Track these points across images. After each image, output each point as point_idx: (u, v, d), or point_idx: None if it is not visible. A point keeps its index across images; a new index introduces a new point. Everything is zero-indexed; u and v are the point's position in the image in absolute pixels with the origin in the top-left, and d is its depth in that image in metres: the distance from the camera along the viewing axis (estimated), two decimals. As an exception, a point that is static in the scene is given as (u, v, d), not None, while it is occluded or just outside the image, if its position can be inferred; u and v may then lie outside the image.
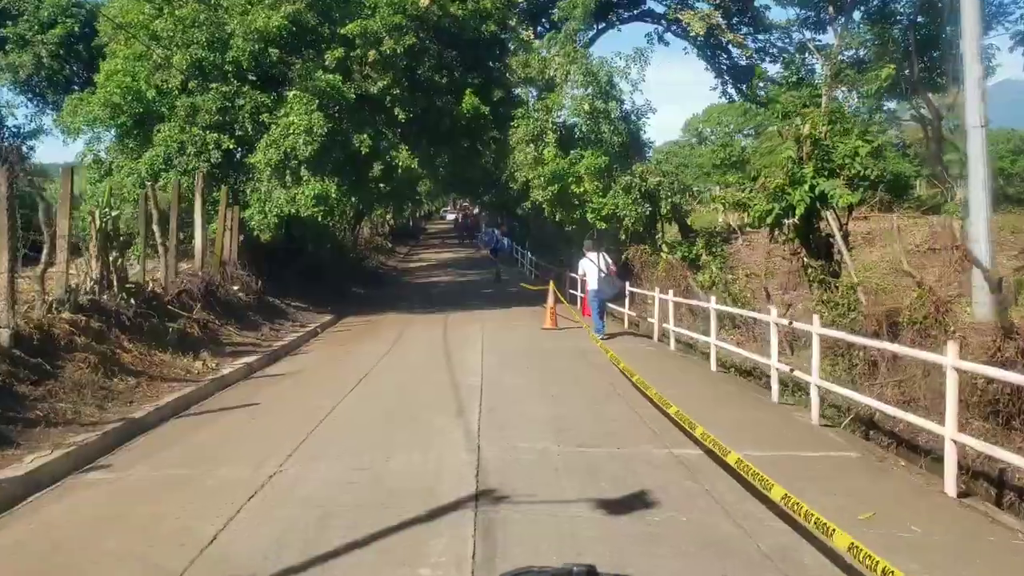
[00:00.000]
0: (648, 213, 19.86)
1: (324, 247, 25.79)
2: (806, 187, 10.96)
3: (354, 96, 19.02)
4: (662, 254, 19.04)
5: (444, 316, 20.14)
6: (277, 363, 12.64)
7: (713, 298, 11.72)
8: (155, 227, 13.89)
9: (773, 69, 39.21)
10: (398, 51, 18.88)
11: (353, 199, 20.86)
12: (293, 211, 18.14)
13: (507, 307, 22.47)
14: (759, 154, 75.49)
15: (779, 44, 42.54)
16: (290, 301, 19.32)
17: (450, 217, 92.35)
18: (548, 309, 16.84)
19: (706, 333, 12.26)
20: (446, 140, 21.95)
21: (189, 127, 18.12)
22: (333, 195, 18.22)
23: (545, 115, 20.95)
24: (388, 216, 47.25)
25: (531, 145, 20.88)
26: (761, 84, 36.73)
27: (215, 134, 18.09)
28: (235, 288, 16.21)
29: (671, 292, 14.40)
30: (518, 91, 22.14)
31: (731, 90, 41.97)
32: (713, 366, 11.66)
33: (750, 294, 15.35)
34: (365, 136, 18.85)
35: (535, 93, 22.41)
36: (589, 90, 19.73)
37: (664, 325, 14.84)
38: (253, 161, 18.16)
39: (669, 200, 19.81)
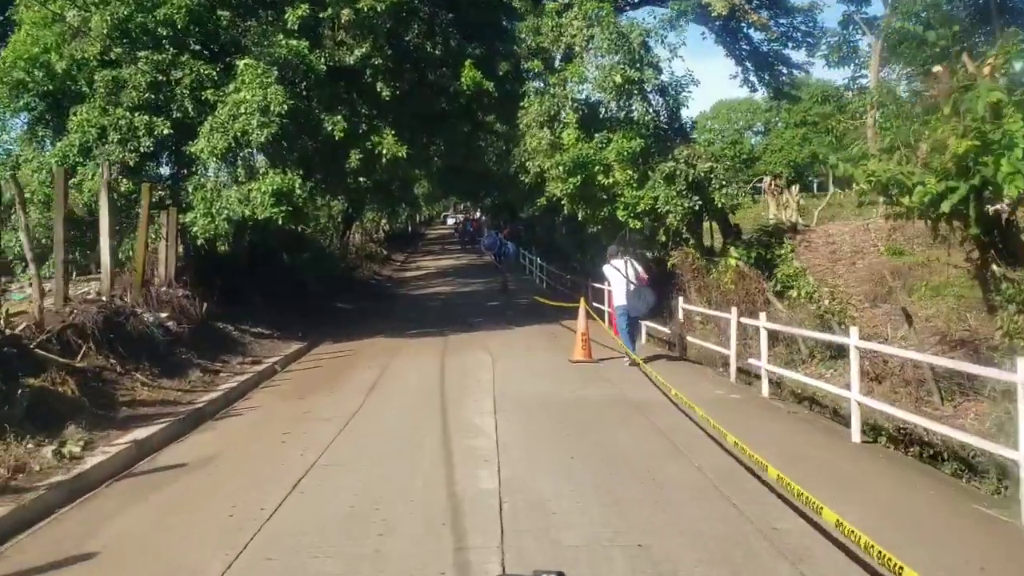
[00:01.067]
0: (697, 208, 15.63)
1: (302, 257, 21.54)
2: (1019, 153, 6.73)
3: (324, 67, 14.82)
4: (730, 259, 14.83)
5: (443, 340, 15.93)
6: (189, 436, 8.37)
7: (855, 331, 7.44)
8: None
9: (796, 56, 35.18)
10: (379, 10, 14.68)
11: (328, 197, 16.55)
12: (248, 212, 13.94)
13: (519, 325, 18.28)
14: (770, 151, 70.91)
15: (803, 28, 38.55)
16: (249, 327, 15.09)
17: (451, 222, 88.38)
18: (580, 336, 12.59)
19: (805, 369, 8.02)
20: (441, 123, 17.72)
21: (112, 108, 13.94)
22: (298, 191, 14.00)
23: (562, 90, 16.72)
24: (383, 221, 43.09)
25: (546, 128, 16.66)
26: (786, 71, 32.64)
27: (145, 116, 13.88)
28: (163, 316, 11.99)
29: (763, 316, 10.10)
30: (528, 65, 17.86)
31: (753, 78, 37.96)
32: (855, 434, 7.42)
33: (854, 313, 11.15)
34: (339, 118, 14.67)
35: (555, 61, 18.13)
36: (618, 56, 15.50)
37: (751, 360, 10.59)
38: (195, 150, 13.96)
39: (723, 191, 15.57)
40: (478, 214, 67.73)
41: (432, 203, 51.28)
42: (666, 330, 15.31)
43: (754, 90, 42.12)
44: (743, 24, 36.41)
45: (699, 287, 14.94)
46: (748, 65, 40.24)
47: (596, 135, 16.60)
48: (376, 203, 32.46)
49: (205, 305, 13.87)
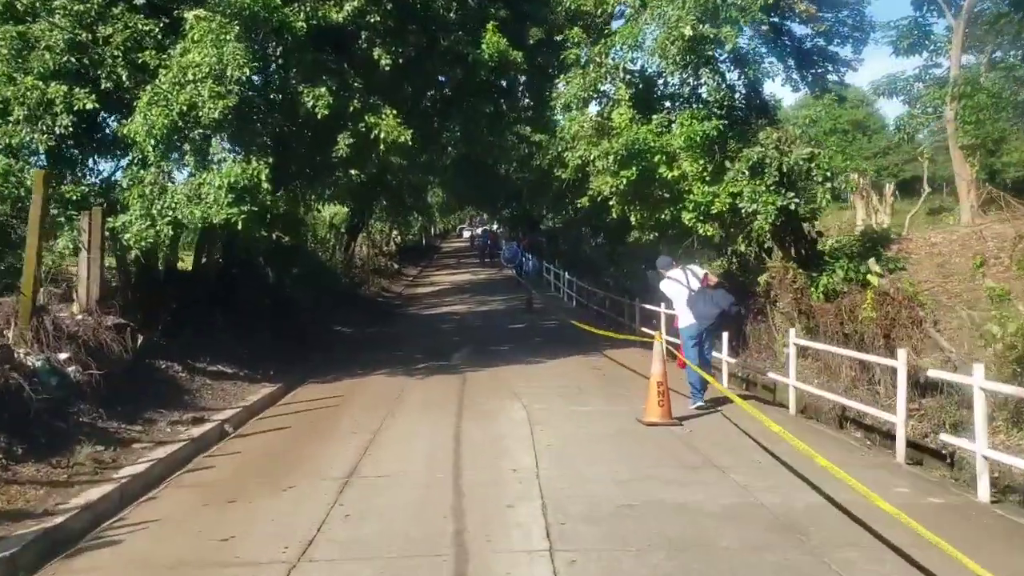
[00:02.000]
0: (793, 207, 11.77)
1: (292, 272, 17.81)
2: None
3: (304, 26, 11.10)
4: (870, 275, 10.95)
5: (459, 379, 12.15)
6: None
7: None
8: None
9: (843, 52, 31.43)
10: (376, -51, 11.03)
11: (312, 197, 12.75)
12: (198, 214, 10.22)
13: (552, 355, 14.50)
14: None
15: (849, 22, 34.68)
16: (206, 365, 11.35)
17: (466, 235, 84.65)
18: (655, 385, 8.66)
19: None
20: (455, 103, 13.96)
21: (20, 76, 10.29)
22: (264, 185, 10.27)
23: (610, 59, 12.95)
24: (394, 233, 39.48)
25: (589, 107, 12.92)
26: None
27: (63, 86, 10.22)
28: (61, 357, 8.25)
29: (978, 372, 6.10)
30: (566, 34, 14.03)
31: (795, 76, 34.03)
32: None
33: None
34: (323, 91, 10.95)
35: (600, 27, 14.31)
36: (687, 4, 11.68)
37: (944, 437, 6.60)
38: (129, 130, 10.28)
39: (828, 186, 11.71)
40: (495, 226, 64.07)
41: (447, 214, 47.65)
42: (728, 358, 11.51)
43: (796, 89, 38.32)
44: (787, 15, 32.38)
45: (801, 310, 11.03)
46: (791, 63, 35.87)
47: (654, 116, 12.81)
48: (384, 211, 28.83)
49: (140, 338, 10.15)
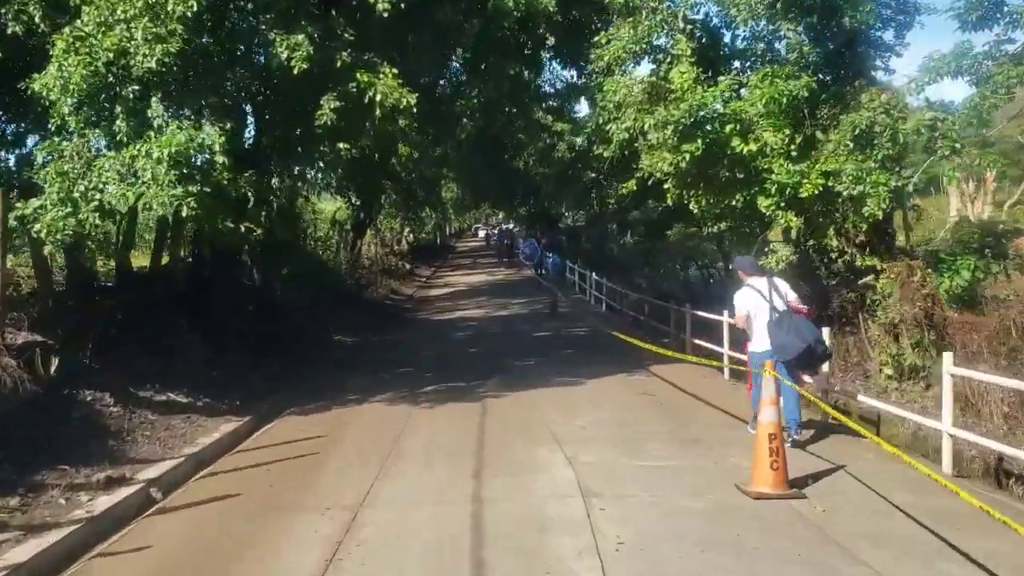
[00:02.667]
0: (912, 188, 9.02)
1: (281, 273, 15.20)
2: None
3: (277, -44, 8.49)
4: None
5: (477, 409, 9.49)
6: None
7: None
8: None
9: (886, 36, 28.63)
10: None
11: (283, 174, 10.05)
12: (131, 196, 7.64)
13: (590, 373, 11.81)
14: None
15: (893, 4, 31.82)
16: (152, 393, 8.76)
17: (481, 234, 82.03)
18: (765, 439, 5.87)
19: None
20: (472, 63, 11.27)
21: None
22: (219, 158, 7.66)
23: (661, 1, 10.25)
24: (406, 231, 36.91)
25: (639, 67, 10.24)
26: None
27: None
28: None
29: None
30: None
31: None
32: None
33: None
34: (301, 39, 8.32)
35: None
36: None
37: None
38: (41, 86, 7.71)
39: (957, 162, 8.95)
40: (511, 225, 61.32)
41: (461, 213, 45.02)
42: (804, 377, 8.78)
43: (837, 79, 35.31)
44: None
45: (932, 323, 8.27)
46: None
47: (720, 78, 10.09)
48: (393, 207, 26.22)
49: (56, 361, 7.59)
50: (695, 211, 10.53)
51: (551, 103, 31.91)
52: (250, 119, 9.68)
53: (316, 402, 10.33)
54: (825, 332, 8.27)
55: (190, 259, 12.34)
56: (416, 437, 8.17)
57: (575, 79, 13.97)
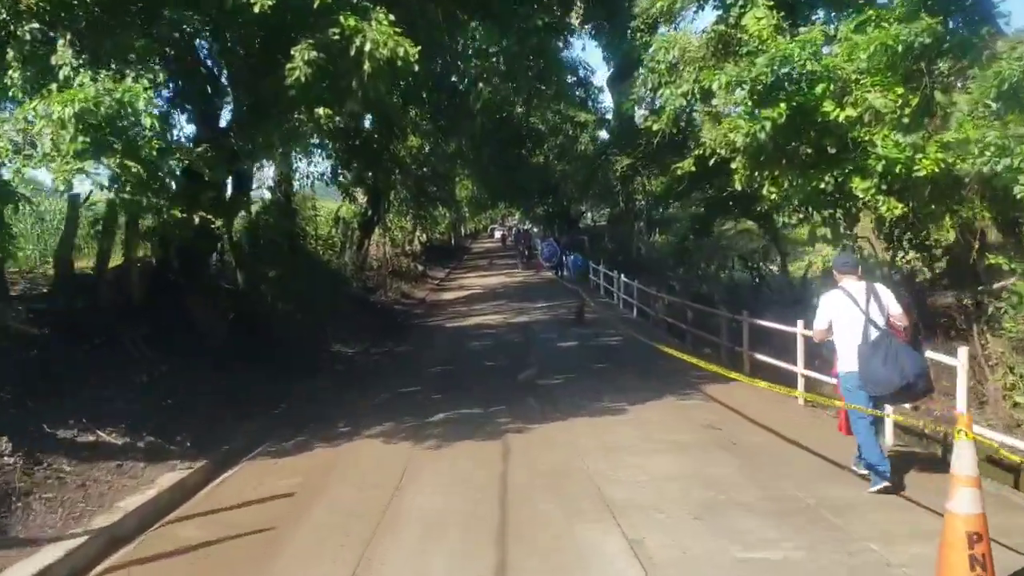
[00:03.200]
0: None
1: (266, 277, 13.10)
2: None
3: None
4: None
5: (496, 451, 7.35)
6: None
7: None
8: None
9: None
10: None
11: (242, 146, 7.87)
12: (27, 172, 5.57)
13: (634, 399, 9.65)
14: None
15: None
16: (78, 432, 6.70)
17: (497, 235, 79.91)
18: (960, 542, 3.67)
19: None
20: (482, 7, 9.05)
21: None
22: (148, 120, 5.56)
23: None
24: (418, 231, 34.83)
25: (703, 11, 8.05)
26: None
27: None
28: None
29: None
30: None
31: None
32: None
33: None
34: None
35: None
36: None
37: None
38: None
39: None
40: (528, 225, 59.07)
41: (477, 212, 42.92)
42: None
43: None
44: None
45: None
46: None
47: (802, 29, 7.88)
48: (404, 203, 24.12)
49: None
50: (773, 195, 8.29)
51: (577, 93, 29.92)
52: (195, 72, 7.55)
53: (296, 436, 8.24)
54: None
55: (153, 260, 10.28)
56: (415, 498, 6.02)
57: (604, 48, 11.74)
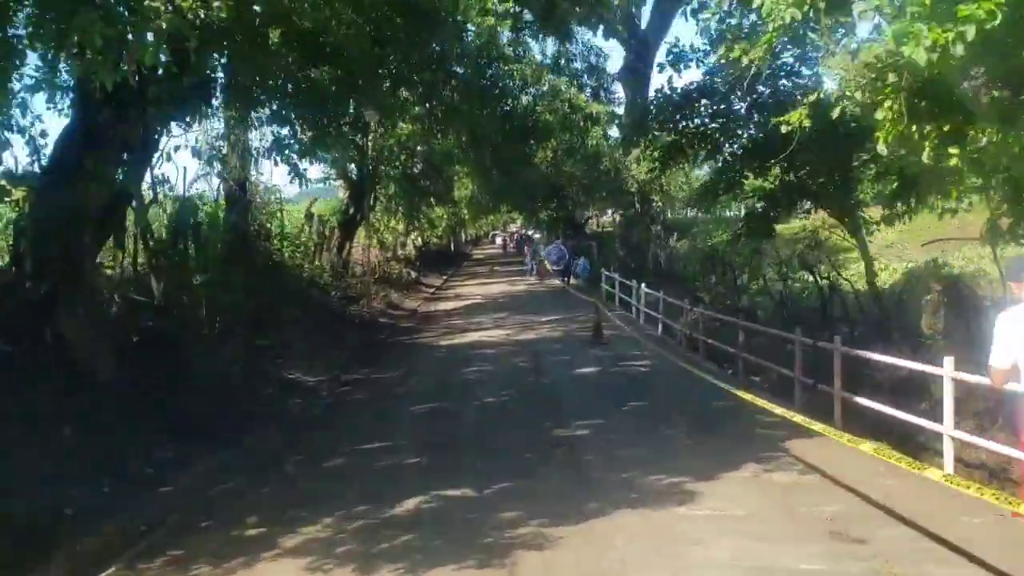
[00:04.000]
0: None
1: (189, 285, 9.82)
2: None
3: None
4: None
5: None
6: None
7: None
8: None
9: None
10: None
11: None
12: None
13: (700, 469, 6.37)
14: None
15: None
16: None
17: (499, 241, 76.81)
18: None
19: None
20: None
21: None
22: None
23: None
24: (412, 234, 31.60)
25: None
26: None
27: None
28: None
29: None
30: None
31: None
32: None
33: None
34: None
35: None
36: None
37: None
38: None
39: None
40: (531, 231, 55.79)
41: (478, 216, 39.72)
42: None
43: None
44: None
45: None
46: None
47: None
48: (394, 199, 20.87)
49: None
50: (942, 161, 5.04)
51: (588, 82, 26.77)
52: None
53: (168, 548, 5.00)
54: None
55: (18, 262, 7.10)
56: None
57: None
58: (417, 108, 18.31)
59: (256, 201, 14.04)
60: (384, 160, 17.52)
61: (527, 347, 14.74)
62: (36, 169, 7.37)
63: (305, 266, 17.01)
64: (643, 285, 18.46)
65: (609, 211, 54.82)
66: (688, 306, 14.94)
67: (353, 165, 19.06)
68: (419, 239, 32.79)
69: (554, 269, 30.54)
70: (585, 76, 26.29)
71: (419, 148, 22.69)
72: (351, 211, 19.09)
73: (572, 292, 26.99)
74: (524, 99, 22.25)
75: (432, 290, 28.29)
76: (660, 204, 24.94)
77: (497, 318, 19.34)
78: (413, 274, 27.76)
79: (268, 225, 14.60)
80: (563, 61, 25.27)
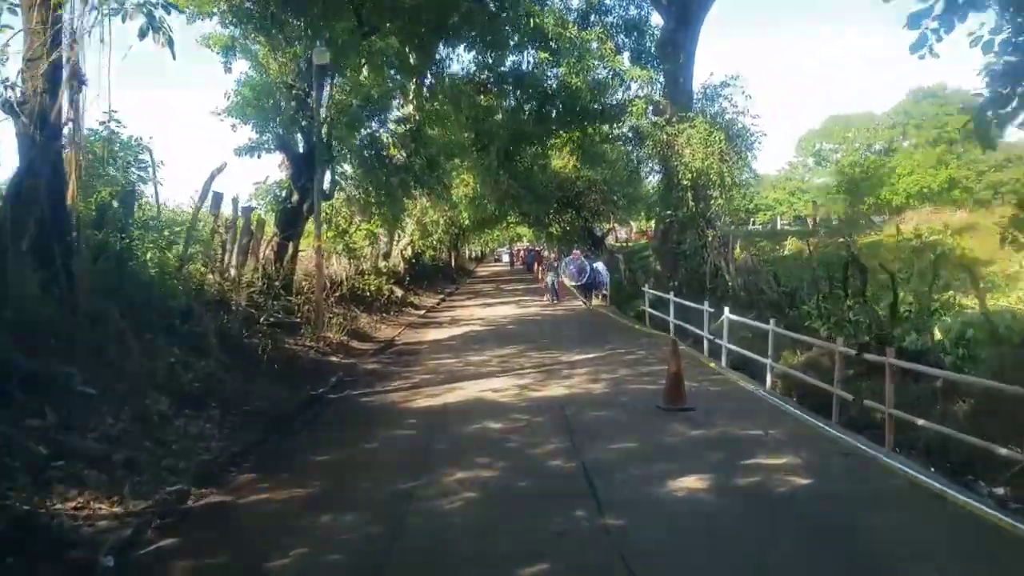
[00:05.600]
0: None
1: None
2: None
3: None
4: None
5: None
6: None
7: None
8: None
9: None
10: None
11: None
12: None
13: None
14: (897, 175, 50.38)
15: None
16: None
17: (505, 258, 70.77)
18: None
19: None
20: None
21: None
22: None
23: None
24: (400, 241, 25.20)
25: None
26: None
27: None
28: None
29: None
30: None
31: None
32: None
33: None
34: None
35: None
36: None
37: None
38: None
39: None
40: (541, 247, 49.65)
41: (481, 222, 33.29)
42: None
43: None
44: None
45: None
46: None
47: None
48: (366, 186, 14.38)
49: None
50: None
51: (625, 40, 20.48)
52: None
53: None
54: None
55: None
56: None
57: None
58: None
59: (88, 150, 7.80)
60: (343, 126, 11.35)
61: (558, 417, 8.31)
62: None
63: (211, 277, 10.68)
64: (726, 310, 12.06)
65: (630, 223, 48.99)
66: (851, 351, 8.52)
67: (299, 134, 12.83)
68: (409, 249, 26.39)
69: (574, 285, 24.13)
70: (622, 35, 20.09)
71: (407, 127, 16.52)
72: (294, 198, 12.80)
73: (601, 314, 20.63)
74: (542, 55, 16.16)
75: (423, 311, 21.89)
76: (720, 200, 18.60)
77: (504, 356, 12.92)
78: (399, 292, 21.36)
79: (110, 198, 8.29)
80: (593, 16, 19.18)
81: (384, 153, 14.02)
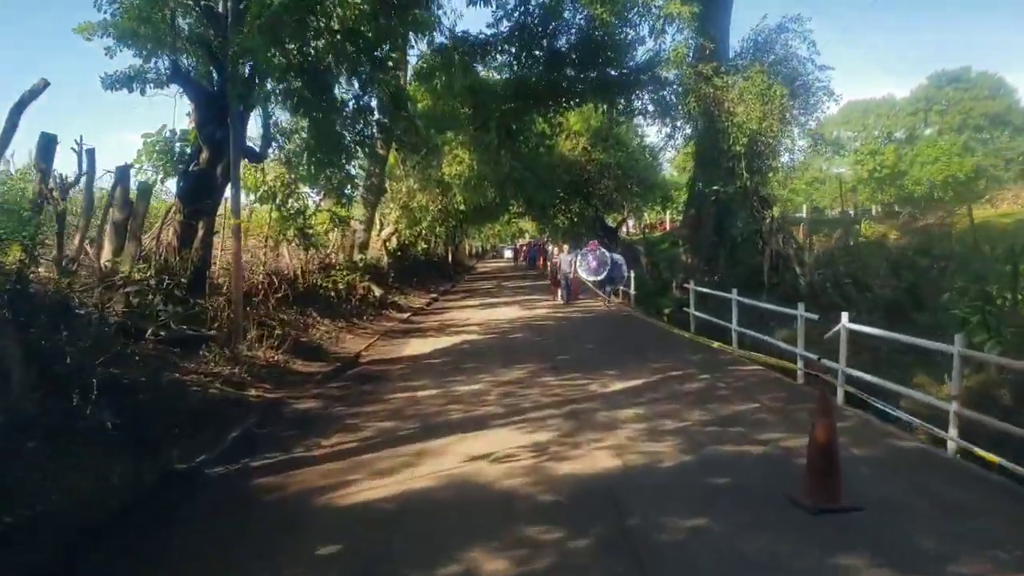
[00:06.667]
0: None
1: None
2: None
3: None
4: None
5: None
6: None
7: None
8: None
9: None
10: None
11: None
12: None
13: None
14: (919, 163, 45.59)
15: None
16: None
17: (508, 254, 66.80)
18: None
19: None
20: None
21: None
22: None
23: None
24: (385, 230, 20.98)
25: None
26: None
27: None
28: None
29: None
30: None
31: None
32: None
33: None
34: None
35: None
36: None
37: None
38: None
39: None
40: (544, 240, 45.63)
41: (479, 212, 28.99)
42: None
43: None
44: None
45: None
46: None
47: None
48: (315, 151, 10.23)
49: None
50: None
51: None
52: None
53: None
54: None
55: None
56: None
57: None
58: None
59: None
60: (256, 33, 7.25)
61: (614, 536, 4.18)
62: None
63: (41, 271, 6.57)
64: (844, 317, 7.87)
65: (639, 215, 45.08)
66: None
67: (210, 60, 8.68)
68: (394, 239, 22.15)
69: (591, 280, 19.97)
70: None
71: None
72: (203, 157, 8.65)
73: (627, 316, 16.50)
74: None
75: (408, 313, 17.74)
76: (780, 173, 14.44)
77: (509, 384, 8.75)
78: (377, 291, 17.17)
79: None
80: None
81: (327, 83, 9.71)
